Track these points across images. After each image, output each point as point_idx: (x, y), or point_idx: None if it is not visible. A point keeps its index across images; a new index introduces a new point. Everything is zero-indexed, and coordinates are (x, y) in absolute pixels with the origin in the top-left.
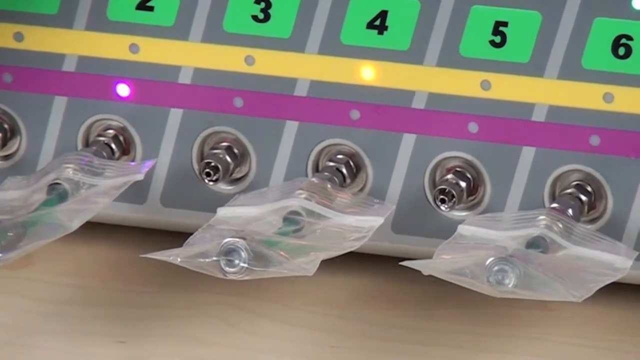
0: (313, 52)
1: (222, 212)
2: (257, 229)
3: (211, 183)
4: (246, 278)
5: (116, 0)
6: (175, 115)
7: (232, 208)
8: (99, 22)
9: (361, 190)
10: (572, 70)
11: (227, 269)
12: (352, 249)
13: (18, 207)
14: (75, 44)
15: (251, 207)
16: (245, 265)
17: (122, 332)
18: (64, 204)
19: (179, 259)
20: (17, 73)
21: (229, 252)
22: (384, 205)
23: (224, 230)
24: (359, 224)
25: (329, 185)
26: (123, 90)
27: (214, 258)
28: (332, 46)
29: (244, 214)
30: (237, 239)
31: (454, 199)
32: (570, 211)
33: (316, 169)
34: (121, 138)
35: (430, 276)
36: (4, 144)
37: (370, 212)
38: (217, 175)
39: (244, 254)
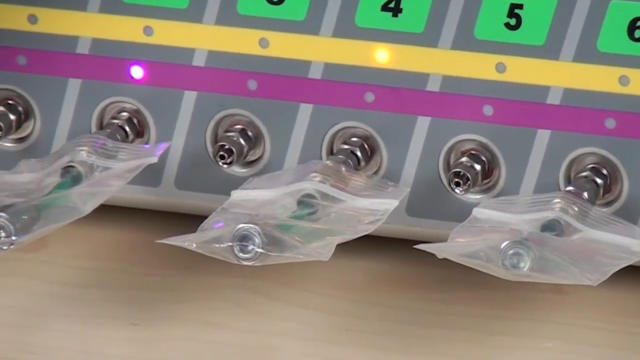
0: (327, 34)
1: (236, 195)
2: (271, 212)
3: (225, 166)
4: (260, 264)
5: None
6: (189, 98)
7: (246, 191)
8: (113, 4)
9: (375, 173)
10: (588, 53)
11: (240, 254)
12: (366, 232)
13: (32, 190)
14: (89, 26)
15: (265, 190)
16: (260, 250)
17: (136, 315)
18: (77, 186)
19: (194, 245)
20: (31, 55)
21: (243, 238)
22: (398, 188)
23: (238, 214)
24: (373, 207)
25: (343, 168)
26: (137, 72)
27: (228, 243)
28: (346, 28)
29: (258, 197)
30: (251, 225)
31: (469, 182)
32: (585, 194)
33: (330, 152)
34: (135, 121)
35: (445, 259)
36: (18, 126)
37: (385, 195)
38: (231, 158)
39: (257, 240)
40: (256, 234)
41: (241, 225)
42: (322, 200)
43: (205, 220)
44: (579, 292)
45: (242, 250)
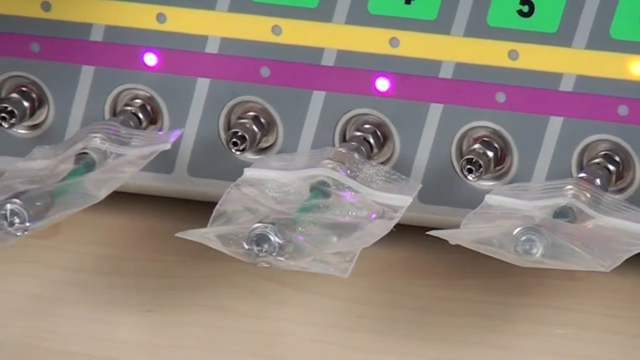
0: (340, 21)
1: (249, 172)
2: (285, 197)
3: (238, 152)
4: (277, 267)
5: None
6: (202, 85)
7: (259, 170)
8: None
9: (388, 160)
10: (600, 40)
11: (259, 258)
12: (385, 233)
13: (46, 177)
14: (102, 13)
15: (278, 171)
16: (279, 258)
17: (149, 302)
18: (91, 173)
19: (214, 243)
20: (45, 43)
21: (260, 240)
22: (409, 183)
23: (255, 203)
24: (387, 202)
25: (356, 155)
26: (150, 59)
27: (247, 247)
28: (359, 16)
29: (270, 177)
30: (267, 224)
31: (481, 169)
32: (598, 181)
33: (343, 139)
34: (148, 108)
35: (457, 246)
36: (32, 113)
37: (398, 189)
38: (244, 144)
39: (273, 239)
40: (272, 234)
41: (257, 225)
42: (335, 188)
43: (219, 203)
44: (591, 278)
45: (260, 253)
